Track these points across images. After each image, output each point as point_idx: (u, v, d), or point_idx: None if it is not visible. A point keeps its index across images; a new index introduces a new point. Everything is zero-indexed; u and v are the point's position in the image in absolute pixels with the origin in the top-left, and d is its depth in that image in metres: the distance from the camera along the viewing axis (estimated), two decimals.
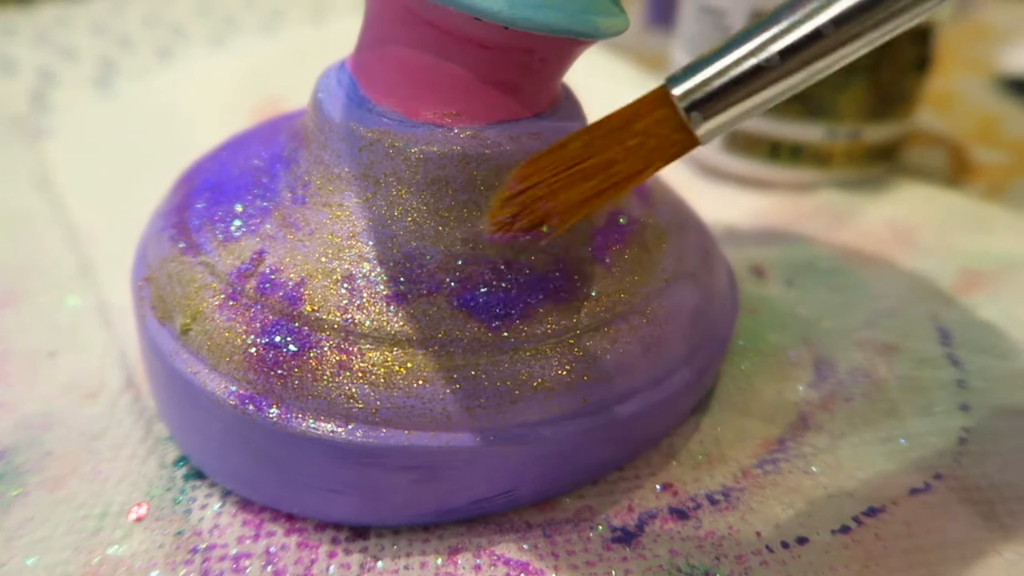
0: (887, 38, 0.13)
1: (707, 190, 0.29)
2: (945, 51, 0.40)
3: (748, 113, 0.14)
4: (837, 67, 0.13)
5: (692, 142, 0.14)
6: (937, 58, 0.28)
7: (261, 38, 0.43)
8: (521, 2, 0.15)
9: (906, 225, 0.26)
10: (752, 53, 0.13)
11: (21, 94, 0.36)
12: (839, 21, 0.13)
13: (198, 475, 0.18)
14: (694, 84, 0.14)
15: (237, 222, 0.17)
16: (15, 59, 0.40)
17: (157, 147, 0.31)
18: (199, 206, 0.18)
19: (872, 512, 0.17)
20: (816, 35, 0.13)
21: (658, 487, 0.18)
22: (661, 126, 0.14)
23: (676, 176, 0.29)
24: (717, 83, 0.13)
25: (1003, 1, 0.48)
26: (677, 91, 0.14)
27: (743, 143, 0.28)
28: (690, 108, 0.14)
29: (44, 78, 0.38)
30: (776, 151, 0.28)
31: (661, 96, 0.14)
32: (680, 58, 0.30)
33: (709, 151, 0.29)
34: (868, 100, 0.27)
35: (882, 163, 0.29)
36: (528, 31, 0.15)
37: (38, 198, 0.28)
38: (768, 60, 0.13)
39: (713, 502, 0.17)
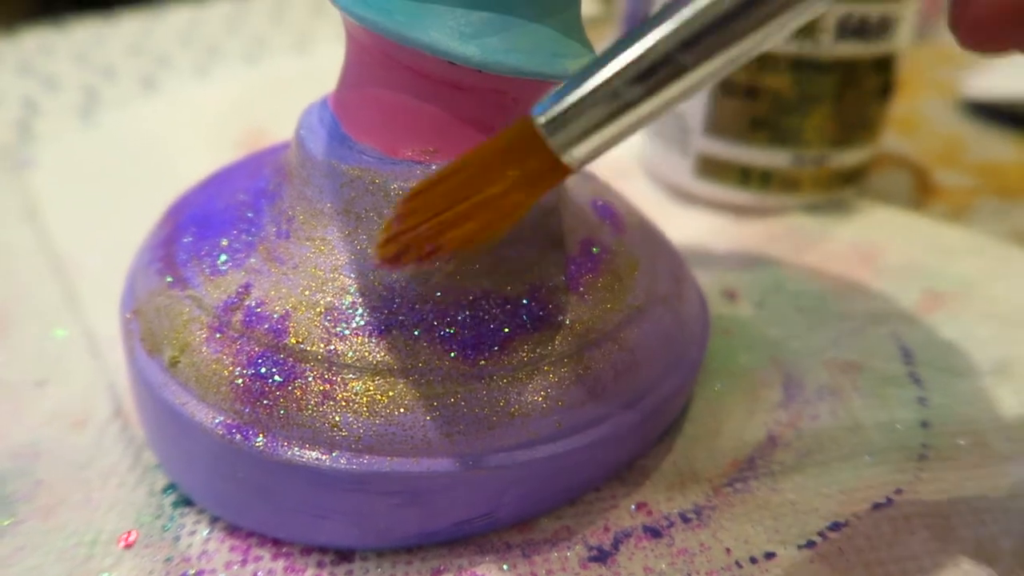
0: (747, 59, 0.13)
1: (681, 214, 0.30)
2: (910, 75, 0.41)
3: (614, 139, 0.13)
4: (699, 89, 0.13)
5: (564, 170, 0.14)
6: (902, 82, 0.29)
7: (245, 67, 0.44)
8: (493, 47, 0.16)
9: (871, 247, 0.27)
10: (608, 81, 0.13)
11: (5, 124, 0.36)
12: (688, 44, 0.12)
13: (186, 502, 0.18)
14: (556, 112, 0.13)
15: (223, 256, 0.18)
16: None
17: (141, 177, 0.32)
18: (186, 240, 0.19)
19: (836, 527, 0.17)
20: (667, 60, 0.13)
21: (633, 507, 0.18)
22: (532, 157, 0.14)
23: (650, 200, 0.30)
24: (578, 110, 0.13)
25: None
26: (541, 120, 0.13)
27: (715, 169, 0.29)
28: (555, 136, 0.13)
29: (28, 108, 0.38)
30: (747, 176, 0.29)
31: (527, 126, 0.14)
32: None
33: (682, 177, 0.30)
34: (833, 127, 0.28)
35: (849, 187, 0.30)
36: (500, 74, 0.16)
37: (23, 229, 0.28)
38: (624, 87, 0.13)
39: (685, 520, 0.18)
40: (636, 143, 0.33)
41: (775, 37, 0.12)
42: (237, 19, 0.51)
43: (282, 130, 0.19)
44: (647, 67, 0.13)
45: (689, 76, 0.13)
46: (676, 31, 0.12)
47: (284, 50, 0.46)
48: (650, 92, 0.13)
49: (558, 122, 0.13)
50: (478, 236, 0.14)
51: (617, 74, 0.13)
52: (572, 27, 0.17)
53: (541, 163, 0.14)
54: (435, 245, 0.15)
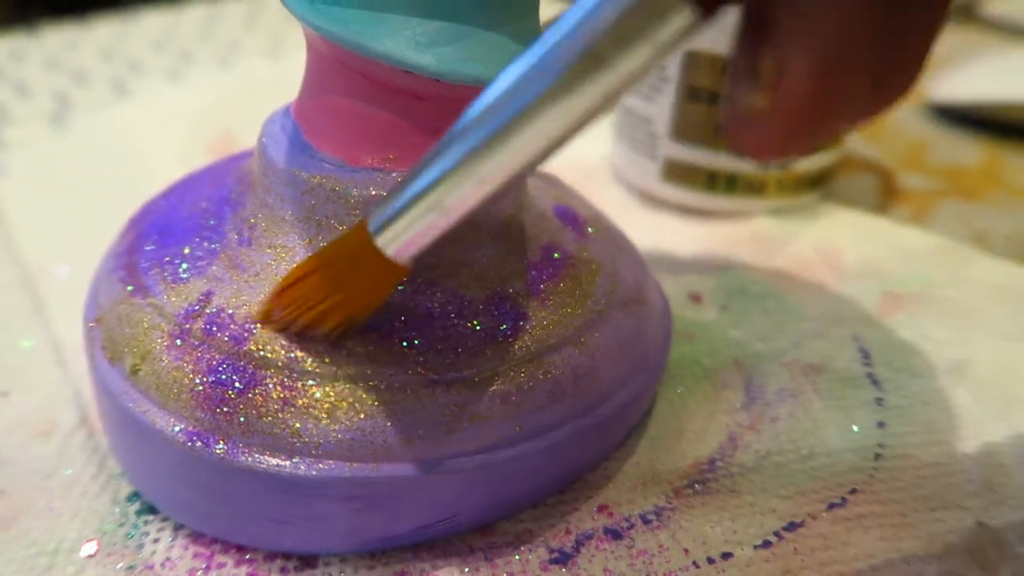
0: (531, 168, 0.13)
1: (648, 218, 0.30)
2: None
3: (435, 235, 0.14)
4: (502, 191, 0.14)
5: (400, 270, 0.15)
6: None
7: (217, 72, 0.44)
8: (449, 56, 0.16)
9: (834, 250, 0.28)
10: (420, 195, 0.14)
11: None
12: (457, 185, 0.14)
13: (150, 510, 0.18)
14: (382, 220, 0.15)
15: (184, 264, 0.18)
16: None
17: (112, 183, 0.32)
18: (148, 248, 0.19)
19: (792, 527, 0.18)
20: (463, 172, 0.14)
21: (594, 509, 0.18)
22: (373, 264, 0.15)
23: (619, 204, 0.31)
24: (399, 217, 0.14)
25: None
26: (371, 227, 0.15)
27: (681, 173, 0.29)
28: (383, 239, 0.15)
29: None
30: (713, 181, 0.29)
31: (362, 234, 0.15)
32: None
33: (650, 181, 0.30)
34: None
35: (814, 191, 0.30)
36: (457, 83, 0.16)
37: None
38: (433, 203, 0.14)
39: (646, 522, 0.18)
40: (605, 147, 0.33)
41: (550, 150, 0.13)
42: (211, 23, 0.51)
43: (253, 135, 0.19)
44: (447, 181, 0.14)
45: (483, 184, 0.13)
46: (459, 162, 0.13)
47: (257, 55, 0.46)
48: (462, 207, 0.14)
49: (384, 229, 0.15)
50: (342, 326, 0.16)
51: (429, 186, 0.14)
52: (531, 34, 0.17)
53: (377, 267, 0.15)
54: (309, 329, 0.16)
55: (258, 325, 0.17)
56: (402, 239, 0.15)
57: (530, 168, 0.13)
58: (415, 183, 0.14)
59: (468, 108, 0.14)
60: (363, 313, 0.16)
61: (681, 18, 0.11)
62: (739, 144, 0.12)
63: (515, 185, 0.14)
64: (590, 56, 0.12)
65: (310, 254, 0.17)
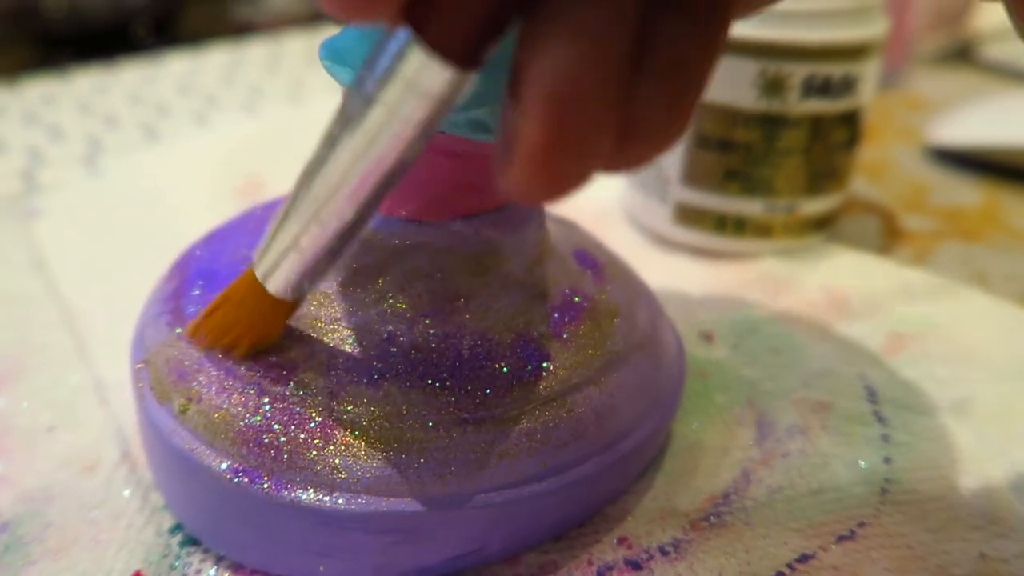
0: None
1: (661, 260, 0.31)
2: (878, 122, 0.44)
3: (315, 273, 0.16)
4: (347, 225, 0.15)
5: (287, 305, 0.17)
6: (871, 129, 0.31)
7: (242, 115, 0.45)
8: (484, 119, 0.17)
9: (839, 291, 0.29)
10: (276, 239, 0.16)
11: (12, 174, 0.38)
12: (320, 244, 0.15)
13: (193, 541, 0.19)
14: (265, 267, 0.17)
15: None
16: (4, 139, 0.41)
17: (144, 225, 0.33)
18: (194, 293, 0.20)
19: (804, 559, 0.19)
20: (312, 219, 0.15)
21: (615, 541, 0.19)
22: (262, 300, 0.17)
23: (632, 246, 0.32)
24: (266, 259, 0.16)
25: (932, 75, 0.52)
26: (258, 272, 0.17)
27: (692, 217, 0.31)
28: (269, 282, 0.17)
29: (33, 157, 0.39)
30: (722, 224, 0.30)
31: (251, 274, 0.17)
32: None
33: (662, 224, 0.32)
34: (802, 178, 0.29)
35: (819, 232, 0.31)
36: (488, 142, 0.17)
37: (33, 278, 0.30)
38: (288, 244, 0.16)
39: (664, 553, 0.19)
40: (618, 192, 0.35)
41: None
42: (233, 68, 0.53)
43: (278, 179, 0.20)
44: (292, 224, 0.16)
45: (322, 224, 0.15)
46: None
47: (279, 99, 0.48)
48: (330, 258, 0.16)
49: (268, 273, 0.17)
50: (251, 350, 0.18)
51: (290, 235, 0.16)
52: None
53: (266, 303, 0.17)
54: (226, 350, 0.18)
55: (297, 367, 0.18)
56: (278, 277, 0.16)
57: (357, 204, 0.15)
58: (275, 231, 0.16)
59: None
60: (264, 341, 0.18)
61: (442, 78, 0.12)
62: (501, 182, 0.13)
63: (352, 218, 0.15)
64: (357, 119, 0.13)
65: (353, 297, 0.18)
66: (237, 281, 0.18)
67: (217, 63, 0.54)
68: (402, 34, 0.12)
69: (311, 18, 0.59)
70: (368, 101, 0.13)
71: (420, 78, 0.12)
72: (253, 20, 0.60)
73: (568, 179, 0.12)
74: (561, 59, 0.11)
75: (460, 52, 0.12)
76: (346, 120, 0.14)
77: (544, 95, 0.11)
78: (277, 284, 0.17)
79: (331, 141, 0.14)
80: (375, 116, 0.13)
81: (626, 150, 0.12)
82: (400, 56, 0.12)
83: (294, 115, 0.45)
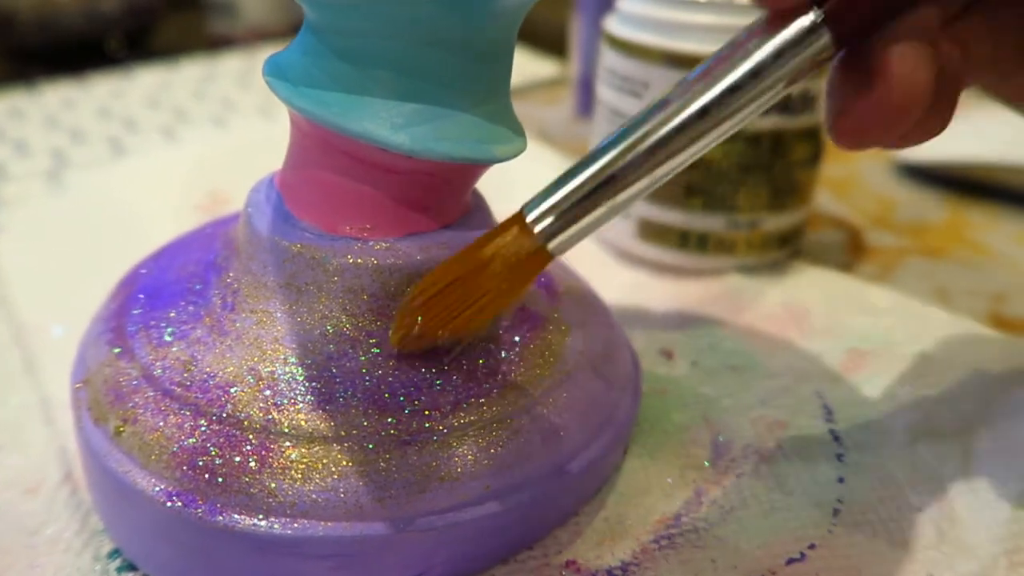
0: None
1: (622, 275, 0.31)
2: None
3: (592, 228, 0.16)
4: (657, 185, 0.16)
5: (547, 257, 0.17)
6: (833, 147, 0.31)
7: (211, 129, 0.45)
8: (422, 136, 0.17)
9: (801, 307, 0.29)
10: (584, 184, 0.16)
11: None
12: (648, 153, 0.16)
13: (131, 567, 0.19)
14: (544, 209, 0.16)
15: (170, 328, 0.19)
16: None
17: (104, 241, 0.33)
18: (136, 312, 0.20)
19: None
20: (633, 164, 0.16)
21: (563, 564, 0.19)
22: (520, 252, 0.17)
23: (596, 261, 0.32)
24: (561, 207, 0.16)
25: None
26: (531, 216, 0.16)
27: (655, 232, 0.30)
28: (542, 228, 0.16)
29: None
30: (685, 239, 0.30)
31: (520, 223, 0.17)
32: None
33: (625, 239, 0.31)
34: (764, 194, 0.29)
35: (783, 248, 0.31)
36: (429, 160, 0.17)
37: None
38: (600, 189, 0.16)
39: None
40: None
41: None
42: (206, 82, 0.53)
43: (241, 195, 0.20)
44: (616, 172, 0.16)
45: (649, 178, 0.16)
46: (631, 145, 0.16)
47: (251, 112, 0.47)
48: (628, 201, 0.16)
49: (545, 217, 0.16)
50: (477, 319, 0.17)
51: (592, 176, 0.16)
52: (501, 115, 0.18)
53: (529, 255, 0.17)
54: (444, 332, 0.17)
55: (235, 388, 0.17)
56: (565, 236, 0.16)
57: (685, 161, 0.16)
58: (583, 188, 0.16)
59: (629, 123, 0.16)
60: (507, 307, 0.18)
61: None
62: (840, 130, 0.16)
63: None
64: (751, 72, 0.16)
65: (297, 316, 0.18)
66: (484, 249, 0.17)
67: (189, 76, 0.54)
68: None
69: (289, 32, 0.59)
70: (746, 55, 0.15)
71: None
72: (229, 33, 0.60)
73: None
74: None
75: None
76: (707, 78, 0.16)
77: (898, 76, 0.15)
78: (560, 243, 0.16)
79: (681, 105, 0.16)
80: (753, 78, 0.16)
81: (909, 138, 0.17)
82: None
83: (265, 129, 0.45)
